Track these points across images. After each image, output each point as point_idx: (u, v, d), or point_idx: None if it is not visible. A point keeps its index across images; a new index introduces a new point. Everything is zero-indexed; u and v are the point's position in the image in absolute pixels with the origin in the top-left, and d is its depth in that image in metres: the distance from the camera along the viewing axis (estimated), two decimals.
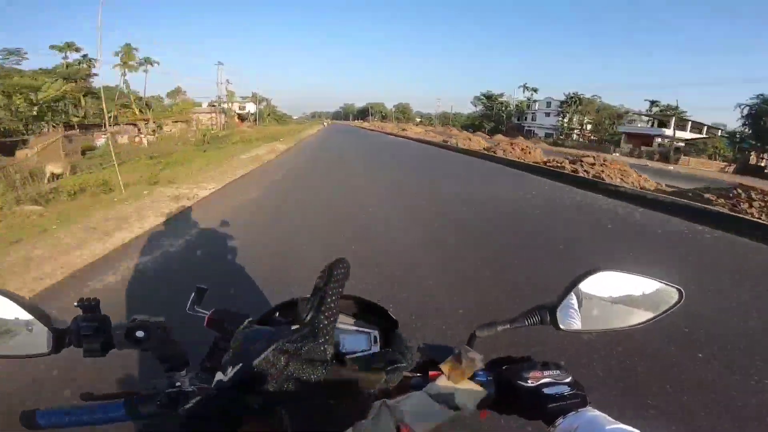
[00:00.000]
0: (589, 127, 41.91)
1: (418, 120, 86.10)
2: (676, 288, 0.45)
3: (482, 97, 60.04)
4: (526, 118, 50.68)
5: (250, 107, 54.81)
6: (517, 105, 55.45)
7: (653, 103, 41.43)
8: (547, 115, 46.32)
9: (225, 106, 39.78)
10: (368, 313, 0.52)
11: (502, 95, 56.43)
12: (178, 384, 0.40)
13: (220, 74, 34.73)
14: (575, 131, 41.66)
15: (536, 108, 49.46)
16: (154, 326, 0.41)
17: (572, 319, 0.46)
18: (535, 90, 53.12)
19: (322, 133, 23.10)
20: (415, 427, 0.39)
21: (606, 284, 0.45)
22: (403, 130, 31.80)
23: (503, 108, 55.17)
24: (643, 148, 31.88)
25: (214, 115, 33.77)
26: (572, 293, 0.45)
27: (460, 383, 0.42)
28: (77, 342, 0.40)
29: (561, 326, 0.44)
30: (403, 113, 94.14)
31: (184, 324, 0.47)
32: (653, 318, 0.46)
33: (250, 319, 0.44)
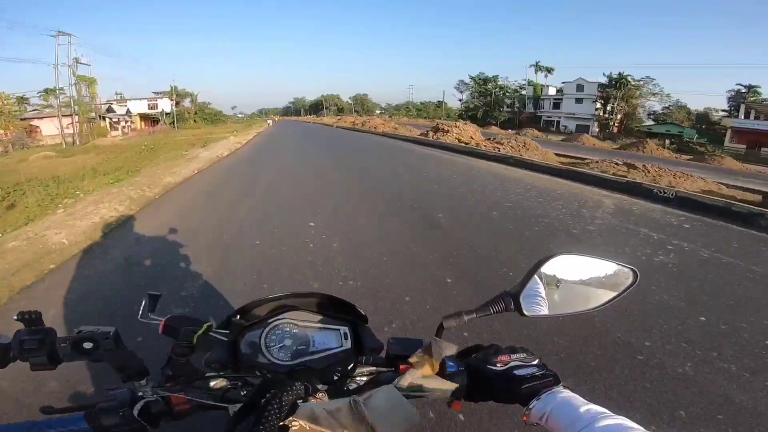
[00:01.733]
0: (619, 116, 45.24)
1: (378, 112, 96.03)
2: (631, 268, 0.64)
3: (474, 80, 63.55)
4: (542, 105, 53.51)
5: (165, 105, 55.95)
6: (519, 88, 59.26)
7: (737, 92, 42.28)
8: (579, 101, 48.31)
9: (97, 104, 37.65)
10: (336, 309, 0.68)
11: (497, 78, 60.60)
12: (140, 394, 0.53)
13: (68, 51, 30.54)
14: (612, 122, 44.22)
15: (551, 93, 52.78)
16: (102, 336, 0.54)
17: (536, 304, 0.63)
18: (550, 70, 55.34)
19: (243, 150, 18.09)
20: (386, 422, 0.49)
21: (566, 268, 0.64)
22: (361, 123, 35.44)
23: (502, 93, 59.24)
24: (764, 149, 30.92)
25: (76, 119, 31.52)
26: (534, 278, 0.62)
27: (430, 375, 0.56)
28: (22, 356, 0.52)
29: (525, 312, 0.61)
30: (362, 105, 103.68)
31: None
32: (612, 299, 0.64)
33: (209, 323, 0.57)
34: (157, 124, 54.11)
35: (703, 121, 45.46)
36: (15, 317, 0.52)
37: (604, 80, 45.63)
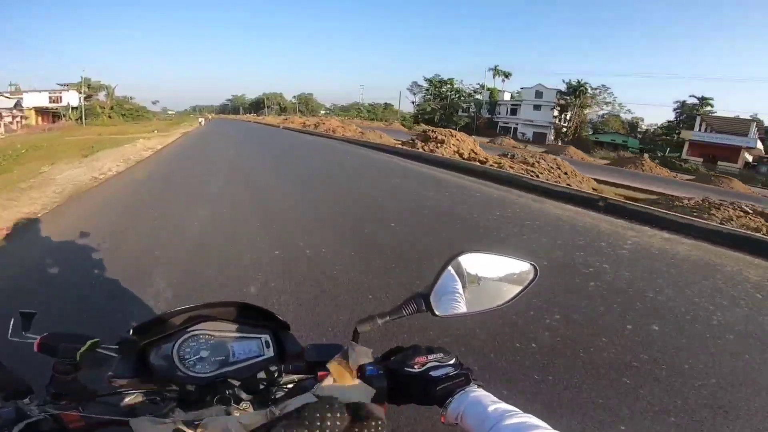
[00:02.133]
0: (574, 125, 47.14)
1: (323, 112, 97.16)
2: (531, 264, 0.69)
3: (430, 82, 62.80)
4: (499, 111, 54.15)
5: (72, 98, 50.79)
6: (474, 92, 59.70)
7: (683, 103, 45.71)
8: (537, 108, 49.22)
9: None
10: (253, 317, 0.68)
11: (452, 81, 60.58)
12: (28, 412, 0.51)
13: None
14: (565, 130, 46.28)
15: (506, 99, 53.85)
16: None
17: (447, 304, 0.66)
18: (507, 75, 55.07)
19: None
20: None
21: (472, 266, 0.67)
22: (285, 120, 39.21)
23: (458, 97, 59.35)
24: (721, 163, 32.15)
25: None
26: (444, 277, 0.65)
27: (349, 381, 0.57)
28: None
29: (437, 312, 0.65)
30: (306, 104, 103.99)
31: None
32: (517, 294, 0.69)
33: (95, 340, 0.57)
34: (59, 119, 48.25)
35: (634, 130, 49.04)
36: None
37: (562, 87, 47.71)
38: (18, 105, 42.12)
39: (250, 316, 0.69)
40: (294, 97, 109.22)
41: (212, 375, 0.62)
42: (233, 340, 0.66)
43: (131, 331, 0.61)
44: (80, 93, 50.67)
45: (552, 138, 45.73)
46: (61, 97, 52.20)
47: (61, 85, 53.46)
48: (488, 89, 56.36)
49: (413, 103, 68.75)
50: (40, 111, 47.20)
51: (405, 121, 58.66)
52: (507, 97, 54.95)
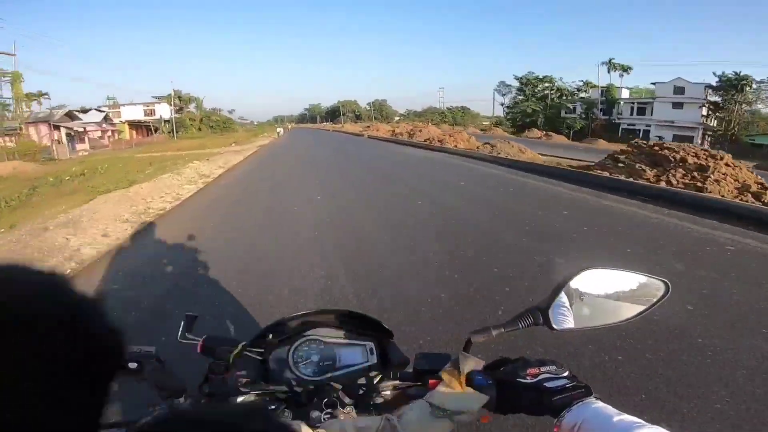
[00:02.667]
0: (735, 126, 38.73)
1: (397, 119, 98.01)
2: (662, 281, 0.66)
3: (527, 80, 57.18)
4: (620, 111, 46.97)
5: (164, 111, 53.47)
6: (577, 90, 52.90)
7: None
8: (677, 106, 41.07)
9: None
10: (360, 324, 0.75)
11: (551, 78, 54.79)
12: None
13: None
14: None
15: (624, 96, 46.84)
16: (145, 356, 0.62)
17: (564, 318, 0.66)
18: (626, 69, 48.12)
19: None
20: None
21: (595, 282, 0.67)
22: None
23: (558, 96, 53.39)
24: None
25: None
26: (562, 293, 0.65)
27: (459, 389, 0.60)
28: None
29: (554, 326, 0.65)
30: (380, 111, 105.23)
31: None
32: (643, 311, 0.67)
33: (244, 343, 0.67)
34: (154, 133, 50.27)
35: None
36: None
37: (712, 81, 39.20)
38: (107, 119, 41.99)
39: (357, 324, 0.76)
40: (368, 104, 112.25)
41: (320, 379, 0.70)
42: (340, 346, 0.73)
43: (269, 335, 0.72)
44: (171, 105, 53.17)
45: (698, 141, 36.20)
46: (154, 110, 54.75)
47: (156, 98, 57.45)
48: (602, 87, 49.41)
49: (502, 105, 64.42)
50: (134, 125, 48.83)
51: (501, 125, 55.70)
52: (626, 94, 47.90)
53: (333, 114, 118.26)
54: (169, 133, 49.71)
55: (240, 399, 0.66)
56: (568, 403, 0.54)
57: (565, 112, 51.31)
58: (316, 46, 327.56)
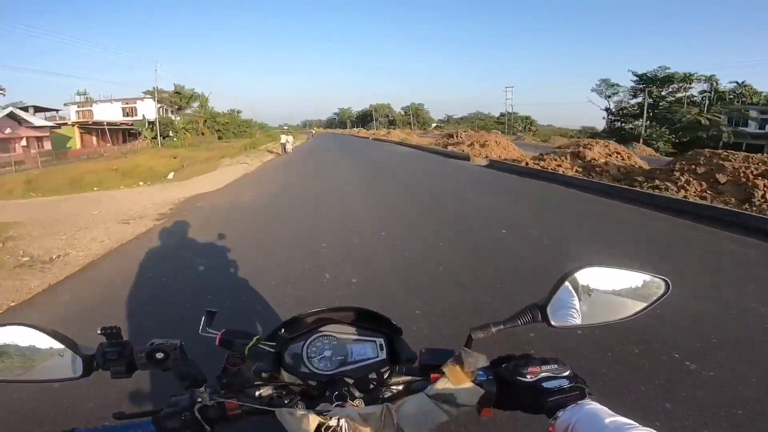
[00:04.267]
0: None
1: (434, 125, 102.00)
2: (663, 279, 0.79)
3: (639, 79, 50.34)
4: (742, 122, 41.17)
5: (147, 109, 46.80)
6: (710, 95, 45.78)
7: None
8: None
9: None
10: (371, 321, 0.92)
11: (690, 76, 47.37)
12: (199, 400, 0.78)
13: None
14: None
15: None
16: (170, 347, 0.79)
17: (564, 315, 0.79)
18: None
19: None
20: (414, 426, 0.71)
21: (594, 280, 0.79)
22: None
23: (680, 98, 46.56)
24: None
25: None
26: (562, 290, 0.78)
27: (460, 383, 0.74)
28: (104, 366, 0.79)
29: (553, 323, 0.78)
30: (416, 116, 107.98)
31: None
32: (643, 309, 0.79)
33: (258, 336, 0.83)
34: (137, 137, 44.07)
35: None
36: (98, 331, 0.78)
37: None
38: (53, 122, 36.91)
39: (368, 321, 0.93)
40: (402, 108, 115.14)
41: (332, 373, 0.86)
42: (352, 342, 0.89)
43: (282, 329, 0.89)
44: (155, 102, 45.62)
45: None
46: (135, 109, 48.15)
47: (146, 93, 49.55)
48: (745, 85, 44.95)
49: (607, 110, 57.51)
50: (95, 129, 41.38)
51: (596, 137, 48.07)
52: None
53: (364, 119, 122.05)
54: (153, 139, 42.73)
55: (260, 391, 0.81)
56: (563, 404, 0.65)
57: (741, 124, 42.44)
58: (348, 48, 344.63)
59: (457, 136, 30.17)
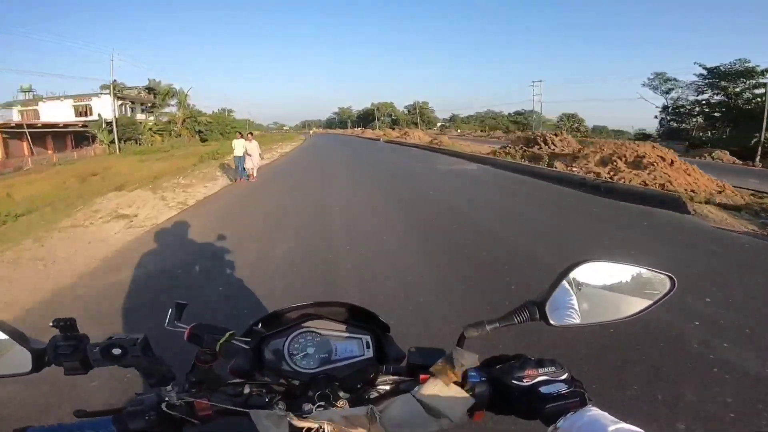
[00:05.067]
0: None
1: (439, 124, 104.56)
2: (668, 275, 0.79)
3: (710, 73, 44.23)
4: None
5: (104, 107, 41.33)
6: None
7: None
8: None
9: None
10: (358, 318, 0.94)
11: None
12: (166, 399, 0.78)
13: None
14: None
15: None
16: (130, 343, 0.79)
17: (563, 313, 0.79)
18: None
19: None
20: (400, 430, 0.71)
21: (595, 275, 0.80)
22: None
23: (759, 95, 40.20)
24: None
25: None
26: (561, 286, 0.79)
27: (451, 385, 0.74)
28: (56, 361, 0.79)
29: (552, 321, 0.78)
30: (420, 115, 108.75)
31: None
32: (646, 308, 0.80)
33: (232, 332, 0.83)
34: (91, 142, 40.08)
35: None
36: (51, 323, 0.76)
37: None
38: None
39: (354, 317, 0.95)
40: (405, 107, 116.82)
41: (315, 371, 0.87)
42: (337, 339, 0.91)
43: (259, 324, 0.91)
44: (113, 99, 41.05)
45: None
46: (90, 107, 43.00)
47: (101, 87, 44.65)
48: None
49: (665, 109, 52.47)
50: (22, 133, 34.16)
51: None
52: None
53: (366, 118, 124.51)
54: (111, 143, 38.97)
55: (235, 390, 0.82)
56: (562, 412, 0.65)
57: None
58: (347, 45, 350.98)
59: (546, 142, 21.53)
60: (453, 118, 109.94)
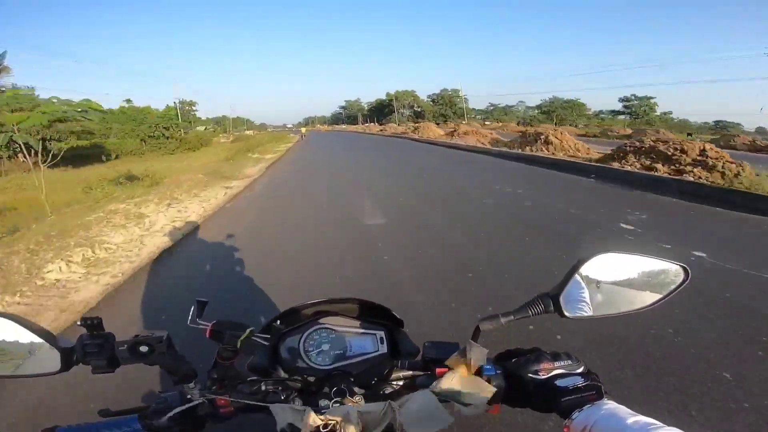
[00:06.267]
0: None
1: (473, 115, 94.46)
2: (682, 266, 0.89)
3: None
4: None
5: None
6: None
7: None
8: None
9: None
10: (372, 313, 1.06)
11: None
12: (189, 396, 0.89)
13: None
14: None
15: None
16: (156, 340, 0.90)
17: (577, 305, 0.89)
18: None
19: None
20: (418, 426, 0.79)
21: (609, 267, 0.90)
22: None
23: None
24: None
25: None
26: (575, 278, 0.89)
27: (467, 379, 0.84)
28: (84, 360, 0.89)
29: (566, 314, 0.89)
30: (449, 105, 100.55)
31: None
32: (660, 299, 0.90)
33: (252, 329, 0.93)
34: None
35: None
36: (78, 322, 0.87)
37: None
38: None
39: (368, 313, 1.06)
40: (428, 96, 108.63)
41: (330, 367, 0.99)
42: (351, 335, 1.03)
43: (278, 321, 1.01)
44: None
45: None
46: None
47: None
48: None
49: None
50: None
51: None
52: None
53: (380, 110, 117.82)
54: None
55: (254, 387, 0.91)
56: (579, 404, 0.73)
57: None
58: (351, 30, 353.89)
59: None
60: (493, 109, 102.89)
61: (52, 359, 0.85)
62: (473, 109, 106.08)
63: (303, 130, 65.12)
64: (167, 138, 39.19)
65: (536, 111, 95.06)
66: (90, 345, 0.85)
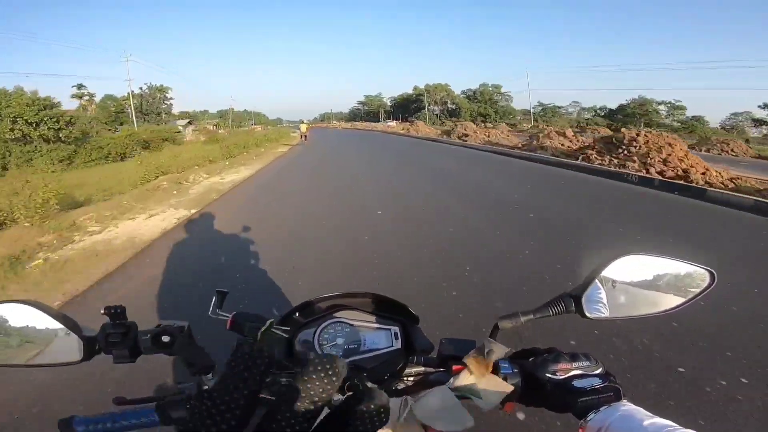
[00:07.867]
0: None
1: (519, 118, 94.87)
2: (708, 270, 1.02)
3: None
4: None
5: None
6: None
7: None
8: None
9: None
10: (388, 309, 1.21)
11: None
12: (206, 387, 1.02)
13: None
14: None
15: None
16: (177, 330, 1.02)
17: (599, 306, 1.02)
18: None
19: None
20: (439, 424, 0.91)
21: (633, 269, 1.03)
22: None
23: None
24: None
25: None
26: (597, 280, 1.01)
27: (483, 377, 0.97)
28: (106, 349, 0.97)
29: (587, 314, 1.01)
30: (489, 103, 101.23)
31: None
32: (684, 303, 1.02)
33: (271, 320, 1.05)
34: None
35: None
36: (102, 311, 0.96)
37: None
38: None
39: (384, 308, 1.21)
40: (462, 91, 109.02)
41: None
42: (366, 330, 1.18)
43: (296, 313, 1.18)
44: None
45: None
46: None
47: None
48: None
49: None
50: None
51: None
52: None
53: (405, 107, 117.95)
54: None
55: (268, 379, 1.02)
56: (595, 406, 0.84)
57: None
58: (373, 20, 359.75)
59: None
60: (543, 110, 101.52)
61: (73, 348, 0.94)
62: (516, 108, 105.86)
63: (303, 127, 45.86)
64: (56, 141, 34.36)
65: (592, 113, 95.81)
66: (114, 334, 0.95)
